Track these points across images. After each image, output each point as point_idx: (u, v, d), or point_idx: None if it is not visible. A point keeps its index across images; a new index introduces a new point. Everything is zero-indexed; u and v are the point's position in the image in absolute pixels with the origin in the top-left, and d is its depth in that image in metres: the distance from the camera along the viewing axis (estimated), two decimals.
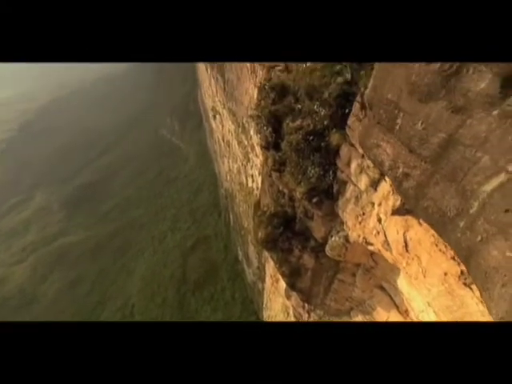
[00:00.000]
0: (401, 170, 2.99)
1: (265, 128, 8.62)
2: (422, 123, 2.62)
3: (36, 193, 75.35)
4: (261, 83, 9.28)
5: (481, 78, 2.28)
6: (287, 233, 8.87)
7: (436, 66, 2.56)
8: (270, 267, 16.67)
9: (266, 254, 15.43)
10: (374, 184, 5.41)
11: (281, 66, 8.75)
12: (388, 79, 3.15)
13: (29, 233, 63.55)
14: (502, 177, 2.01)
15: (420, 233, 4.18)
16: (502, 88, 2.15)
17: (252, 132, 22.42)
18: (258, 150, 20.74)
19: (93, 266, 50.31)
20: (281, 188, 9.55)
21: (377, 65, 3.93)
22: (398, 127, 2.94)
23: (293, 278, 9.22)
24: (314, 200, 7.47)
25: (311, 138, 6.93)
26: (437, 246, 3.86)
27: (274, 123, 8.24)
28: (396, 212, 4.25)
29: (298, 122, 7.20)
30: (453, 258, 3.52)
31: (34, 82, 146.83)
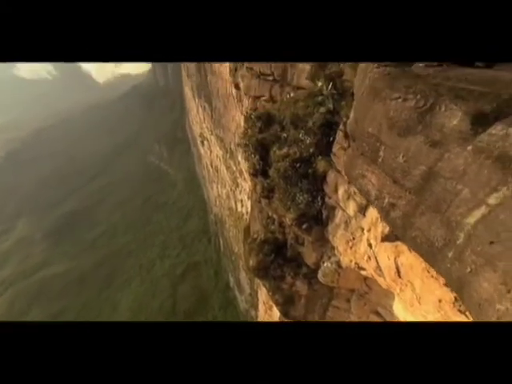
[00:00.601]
0: (387, 200, 3.04)
1: (252, 156, 8.75)
2: (403, 156, 2.72)
3: (19, 222, 72.52)
4: (247, 112, 9.55)
5: (452, 116, 2.41)
6: (279, 260, 8.74)
7: (412, 102, 2.71)
8: (263, 294, 16.21)
9: (258, 280, 15.06)
10: (362, 210, 5.47)
11: (266, 96, 9.08)
12: (368, 114, 3.29)
13: (9, 264, 60.27)
14: (483, 209, 2.07)
15: (411, 258, 4.18)
16: (472, 125, 2.27)
17: (240, 157, 22.73)
18: (246, 175, 20.94)
19: (77, 298, 47.62)
20: (270, 214, 9.54)
21: (356, 98, 4.12)
22: (380, 159, 3.03)
23: (286, 306, 8.96)
24: (304, 226, 7.49)
25: (298, 165, 7.06)
26: (429, 272, 3.86)
27: (261, 151, 8.39)
28: (385, 238, 4.27)
29: (285, 150, 7.36)
30: (445, 285, 3.52)
31: (22, 111, 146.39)
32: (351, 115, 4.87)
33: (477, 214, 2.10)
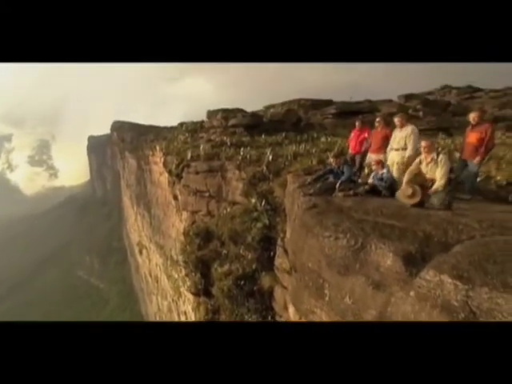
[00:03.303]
0: None
1: (193, 274, 8.06)
2: (349, 297, 2.54)
3: None
4: (185, 229, 9.24)
5: (384, 255, 2.42)
6: None
7: (343, 241, 2.72)
8: None
9: None
10: None
11: (203, 211, 9.09)
12: (304, 248, 3.24)
13: None
14: None
15: None
16: (405, 266, 2.26)
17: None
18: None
19: None
20: None
21: (290, 224, 4.15)
22: (327, 298, 2.81)
23: None
24: None
25: (242, 282, 6.58)
26: None
27: (202, 268, 7.81)
28: None
29: (227, 267, 6.92)
30: None
31: None
32: (287, 235, 4.91)
33: None
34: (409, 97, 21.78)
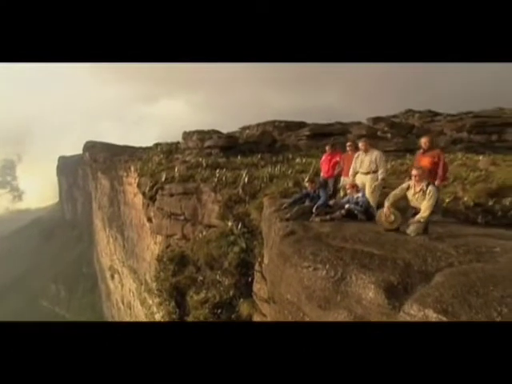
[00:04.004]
0: None
1: (167, 303, 7.54)
2: None
3: None
4: (159, 254, 8.74)
5: (366, 287, 2.32)
6: None
7: (323, 272, 2.60)
8: None
9: None
10: None
11: (178, 234, 8.69)
12: (283, 278, 3.09)
13: None
14: None
15: None
16: (388, 299, 2.17)
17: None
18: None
19: None
20: None
21: (267, 250, 3.98)
22: None
23: None
24: None
25: (219, 311, 6.22)
26: None
27: (176, 296, 7.33)
28: None
29: (203, 295, 6.54)
30: None
31: None
32: (265, 261, 4.72)
33: None
34: (376, 119, 23.03)
